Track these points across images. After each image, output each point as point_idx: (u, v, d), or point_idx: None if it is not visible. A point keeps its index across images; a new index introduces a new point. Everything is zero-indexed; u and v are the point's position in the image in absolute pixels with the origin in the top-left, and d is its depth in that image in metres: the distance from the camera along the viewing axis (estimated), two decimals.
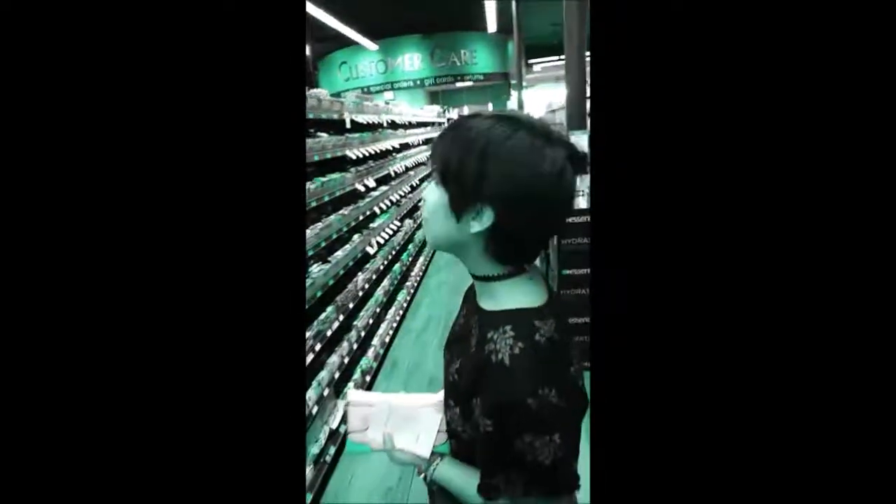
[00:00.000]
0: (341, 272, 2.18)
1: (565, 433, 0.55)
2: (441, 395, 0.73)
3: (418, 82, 10.52)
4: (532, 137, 0.55)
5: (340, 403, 2.09)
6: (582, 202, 2.28)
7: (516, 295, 0.61)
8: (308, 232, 1.90)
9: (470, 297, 0.70)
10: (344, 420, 2.06)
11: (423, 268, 4.40)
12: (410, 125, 4.40)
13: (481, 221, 0.56)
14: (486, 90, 11.97)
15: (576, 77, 2.54)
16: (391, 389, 0.85)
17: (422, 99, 11.79)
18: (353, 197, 2.53)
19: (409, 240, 3.94)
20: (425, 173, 4.87)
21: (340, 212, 2.28)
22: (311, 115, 1.97)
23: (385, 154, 3.26)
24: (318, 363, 1.96)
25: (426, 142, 5.03)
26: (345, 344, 2.20)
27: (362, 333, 2.47)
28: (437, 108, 6.64)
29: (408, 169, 4.00)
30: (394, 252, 3.31)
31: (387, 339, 2.96)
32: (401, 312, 3.37)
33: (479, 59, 10.37)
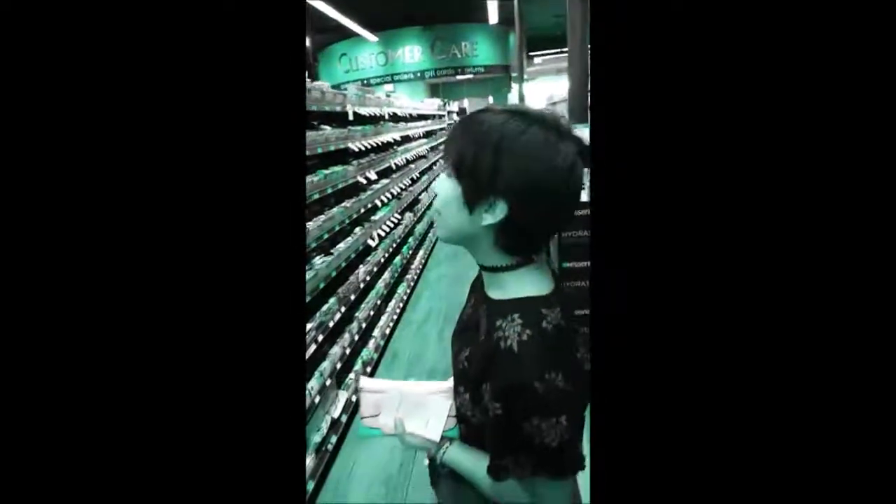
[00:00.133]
0: (343, 264, 2.20)
1: (571, 416, 0.57)
2: (449, 382, 0.75)
3: (419, 74, 10.43)
4: (545, 132, 0.56)
5: (342, 393, 2.12)
6: (583, 195, 2.27)
7: (524, 284, 0.63)
8: (311, 224, 1.91)
9: (477, 287, 0.72)
10: (346, 409, 2.09)
11: (424, 261, 4.42)
12: (411, 118, 4.39)
13: (494, 214, 0.58)
14: (486, 83, 11.90)
15: (578, 69, 2.54)
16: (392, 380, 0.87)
17: (422, 91, 11.70)
18: (355, 189, 2.53)
19: (410, 233, 3.95)
20: (425, 166, 4.87)
21: (343, 204, 2.29)
22: (313, 108, 1.96)
23: (386, 147, 3.26)
24: (321, 354, 1.98)
25: (427, 134, 5.03)
26: (346, 335, 2.22)
27: (363, 325, 2.49)
28: (437, 101, 6.61)
29: (408, 162, 4.00)
30: (394, 245, 3.32)
31: (387, 331, 2.98)
32: (401, 305, 3.39)
33: (480, 51, 10.28)
